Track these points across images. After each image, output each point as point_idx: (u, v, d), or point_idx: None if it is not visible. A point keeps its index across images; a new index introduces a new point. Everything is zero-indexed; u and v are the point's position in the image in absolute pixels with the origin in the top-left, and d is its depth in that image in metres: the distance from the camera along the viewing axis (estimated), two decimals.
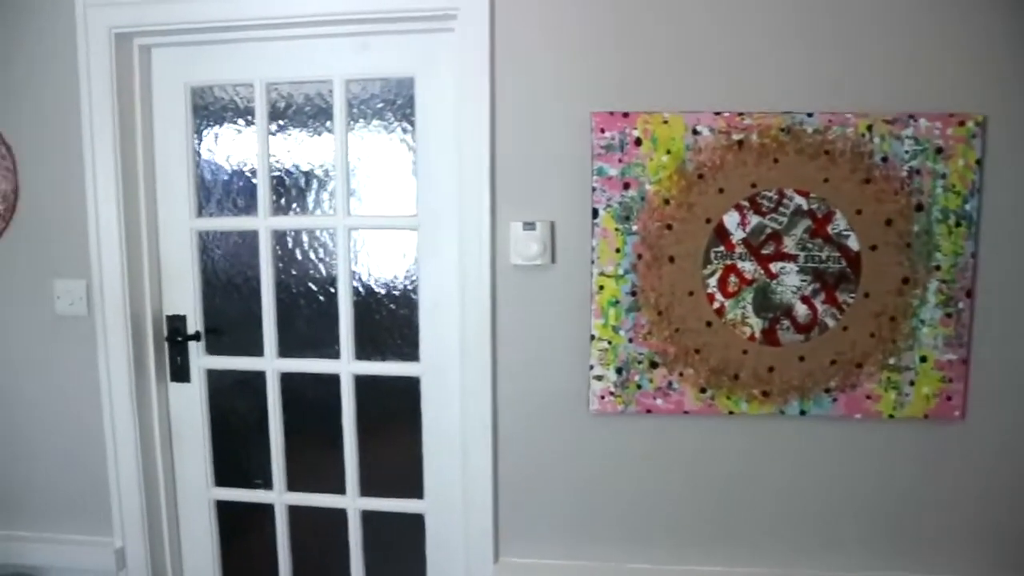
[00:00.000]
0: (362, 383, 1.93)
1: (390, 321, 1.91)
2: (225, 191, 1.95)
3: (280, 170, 1.91)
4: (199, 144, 1.94)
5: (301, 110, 1.89)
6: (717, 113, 1.65)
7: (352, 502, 1.97)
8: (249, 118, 1.91)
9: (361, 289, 1.90)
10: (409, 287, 1.89)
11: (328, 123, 1.87)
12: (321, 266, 1.93)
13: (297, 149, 1.90)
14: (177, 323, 1.97)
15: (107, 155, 1.85)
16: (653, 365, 1.74)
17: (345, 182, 1.87)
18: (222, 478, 2.03)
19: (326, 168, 1.89)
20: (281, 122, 1.90)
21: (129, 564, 1.97)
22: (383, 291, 1.90)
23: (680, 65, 1.67)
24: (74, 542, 1.99)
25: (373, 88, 1.85)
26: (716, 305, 1.71)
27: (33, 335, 1.95)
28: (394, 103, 1.85)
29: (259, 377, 1.96)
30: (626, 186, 1.69)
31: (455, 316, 1.81)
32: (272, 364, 1.95)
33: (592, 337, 1.74)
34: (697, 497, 1.77)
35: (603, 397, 1.75)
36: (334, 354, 1.92)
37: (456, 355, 1.83)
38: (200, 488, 2.03)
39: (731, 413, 1.73)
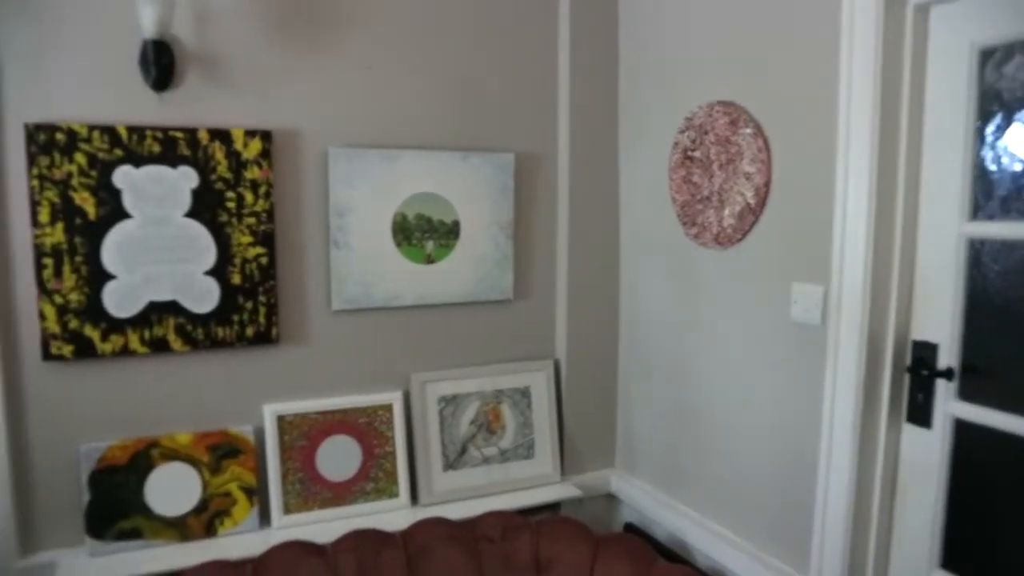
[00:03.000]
0: None
1: None
2: (1016, 187, 1.63)
3: None
4: (983, 124, 1.67)
5: None
6: None
7: None
8: None
9: None
10: None
11: None
12: None
13: None
14: (924, 352, 1.77)
15: (863, 142, 1.75)
16: None
17: None
18: (951, 559, 1.77)
19: None
20: None
21: None
22: None
23: None
24: (768, 565, 2.04)
25: None
26: None
27: (766, 338, 2.05)
28: None
29: None
30: None
31: None
32: None
33: None
34: None
35: None
36: None
37: None
38: (918, 562, 1.80)
39: None
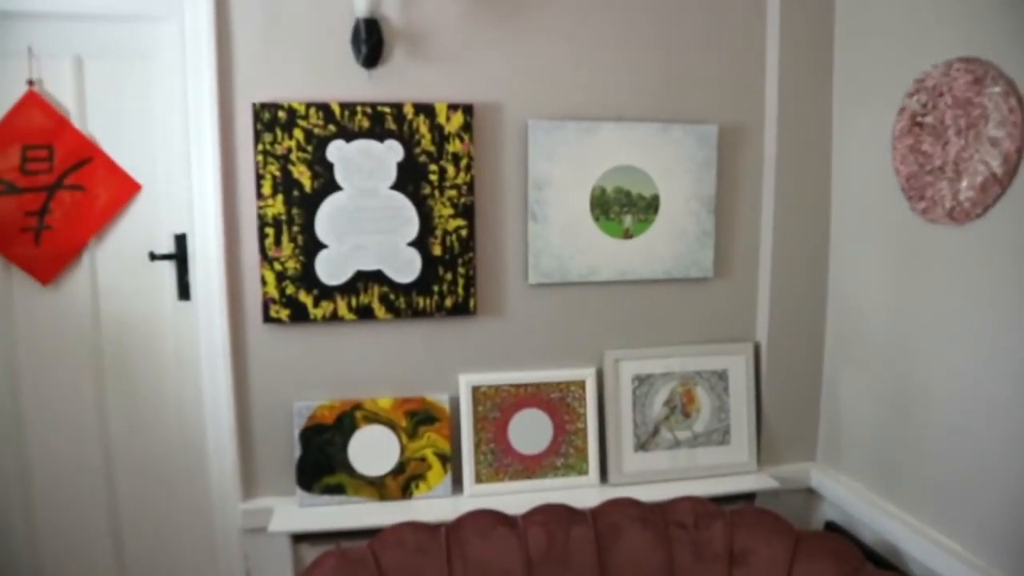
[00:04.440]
0: None
1: None
2: None
3: None
4: None
5: None
6: None
7: None
8: None
9: None
10: None
11: None
12: None
13: None
14: None
15: None
16: None
17: None
18: None
19: None
20: None
21: None
22: None
23: None
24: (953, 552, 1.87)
25: None
26: None
27: (1011, 328, 1.79)
28: None
29: None
30: None
31: None
32: None
33: None
34: None
35: None
36: None
37: None
38: None
39: None
